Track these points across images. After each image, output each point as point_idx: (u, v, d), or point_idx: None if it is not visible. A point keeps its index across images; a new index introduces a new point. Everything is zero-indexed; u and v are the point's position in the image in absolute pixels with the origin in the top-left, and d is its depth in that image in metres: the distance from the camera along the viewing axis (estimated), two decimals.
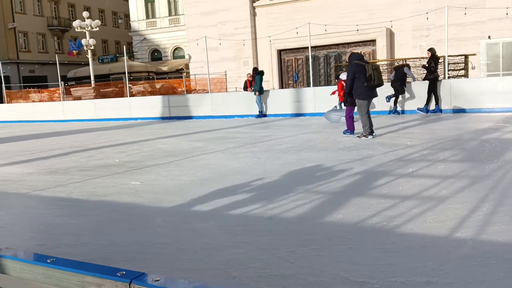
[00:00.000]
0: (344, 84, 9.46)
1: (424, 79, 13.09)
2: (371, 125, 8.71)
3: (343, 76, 10.19)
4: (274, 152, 7.79)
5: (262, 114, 15.54)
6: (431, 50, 12.78)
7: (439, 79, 13.05)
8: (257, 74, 15.39)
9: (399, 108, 13.36)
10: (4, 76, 25.60)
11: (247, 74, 15.98)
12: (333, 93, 13.01)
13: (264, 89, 15.69)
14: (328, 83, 23.80)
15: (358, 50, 23.52)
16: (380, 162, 6.40)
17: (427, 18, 19.73)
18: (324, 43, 23.08)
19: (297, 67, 24.90)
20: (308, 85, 18.62)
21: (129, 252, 3.46)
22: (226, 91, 22.89)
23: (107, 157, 8.39)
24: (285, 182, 5.53)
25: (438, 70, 12.98)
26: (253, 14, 25.11)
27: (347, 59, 9.03)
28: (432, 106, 12.83)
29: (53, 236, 3.97)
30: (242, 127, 12.59)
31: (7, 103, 23.95)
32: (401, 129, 10.16)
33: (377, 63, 9.95)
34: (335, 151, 7.56)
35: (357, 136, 8.89)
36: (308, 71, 20.51)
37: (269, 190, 5.15)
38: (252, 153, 7.86)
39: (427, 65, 12.70)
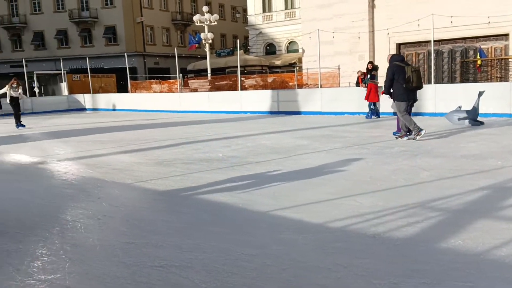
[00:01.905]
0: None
1: None
2: (414, 123, 8.62)
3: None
4: (384, 156, 7.09)
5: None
6: None
7: None
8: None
9: None
10: (130, 67, 27.71)
11: (358, 72, 15.02)
12: None
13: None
14: (452, 80, 21.79)
15: (488, 45, 21.19)
16: None
17: None
18: (449, 37, 21.10)
19: (417, 62, 23.18)
20: (429, 82, 17.11)
21: (212, 261, 3.19)
22: (339, 87, 22.10)
23: (212, 150, 8.37)
24: (394, 192, 4.89)
25: None
26: (372, 6, 23.86)
27: (387, 61, 8.93)
28: None
29: (143, 233, 3.87)
30: (351, 126, 11.89)
31: (131, 92, 25.83)
32: None
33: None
34: (456, 159, 6.63)
35: (409, 138, 8.71)
36: (429, 67, 18.89)
37: (375, 201, 4.56)
38: (359, 155, 7.24)
39: None
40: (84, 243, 3.68)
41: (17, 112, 15.26)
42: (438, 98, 13.46)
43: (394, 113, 9.92)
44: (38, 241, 3.74)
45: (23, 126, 15.18)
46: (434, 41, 15.16)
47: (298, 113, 16.53)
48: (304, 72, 25.17)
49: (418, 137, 8.55)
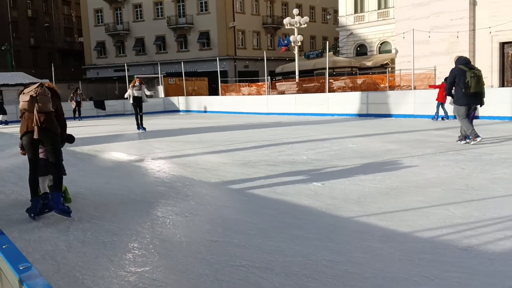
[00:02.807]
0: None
1: None
2: (472, 128, 8.48)
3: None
4: (482, 163, 6.59)
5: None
6: None
7: None
8: None
9: None
10: (221, 71, 28.61)
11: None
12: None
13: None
14: None
15: None
16: None
17: None
18: None
19: None
20: None
21: (292, 265, 3.18)
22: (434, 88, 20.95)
23: (296, 153, 8.36)
24: (491, 203, 4.52)
25: None
26: (473, 4, 22.36)
27: (454, 62, 8.80)
28: None
29: (227, 232, 3.96)
30: (446, 130, 11.20)
31: (222, 95, 26.65)
32: None
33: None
34: None
35: (466, 142, 8.60)
36: None
37: (470, 211, 4.25)
38: (454, 162, 6.80)
39: None
40: (172, 238, 3.86)
41: (136, 113, 14.19)
42: None
43: (454, 116, 9.58)
44: (131, 235, 3.99)
45: (144, 129, 14.31)
46: None
47: (389, 115, 15.94)
48: (397, 74, 24.25)
49: (472, 142, 8.43)
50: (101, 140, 12.17)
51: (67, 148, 10.41)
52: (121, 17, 46.05)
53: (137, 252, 3.57)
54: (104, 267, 3.28)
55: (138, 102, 14.02)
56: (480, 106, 8.79)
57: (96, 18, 47.08)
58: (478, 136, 8.43)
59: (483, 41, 22.00)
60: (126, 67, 27.96)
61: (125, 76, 27.79)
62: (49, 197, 4.58)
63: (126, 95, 14.39)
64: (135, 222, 4.37)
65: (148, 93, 14.42)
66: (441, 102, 13.99)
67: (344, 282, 2.90)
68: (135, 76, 14.64)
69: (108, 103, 26.06)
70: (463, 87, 8.33)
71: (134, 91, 13.83)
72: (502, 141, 8.86)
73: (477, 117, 12.93)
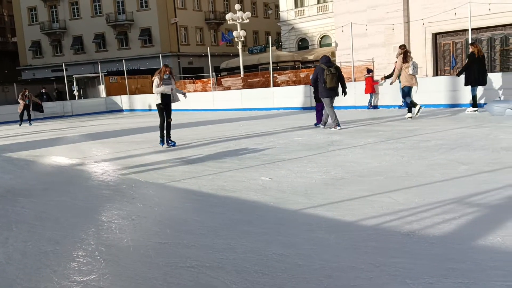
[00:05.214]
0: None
1: None
2: (336, 118, 10.21)
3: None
4: (420, 150, 6.90)
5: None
6: None
7: None
8: None
9: None
10: None
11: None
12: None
13: (417, 76, 14.36)
14: (491, 69, 20.96)
15: None
16: None
17: None
18: (488, 24, 20.32)
19: (455, 52, 22.44)
20: None
21: (243, 261, 3.19)
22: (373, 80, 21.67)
23: (244, 148, 8.39)
24: (430, 188, 4.74)
25: None
26: None
27: (396, 56, 10.76)
28: None
29: (176, 233, 3.91)
30: (386, 119, 11.64)
31: None
32: None
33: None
34: (496, 152, 6.37)
35: (328, 128, 10.31)
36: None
37: (410, 197, 4.43)
38: (394, 150, 7.08)
39: None
40: (118, 243, 3.76)
41: (163, 120, 9.29)
42: (477, 88, 12.98)
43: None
44: (75, 243, 3.84)
45: (173, 144, 9.42)
46: (472, 29, 14.69)
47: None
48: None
49: (332, 129, 10.08)
50: (40, 144, 11.64)
51: (2, 155, 9.89)
52: (57, 15, 44.19)
53: (81, 260, 3.44)
54: (47, 278, 3.14)
55: (167, 102, 9.26)
56: (344, 95, 10.40)
57: (30, 17, 44.90)
58: (338, 125, 10.07)
59: (417, 33, 22.96)
60: (64, 67, 26.87)
61: (63, 76, 26.69)
62: None
63: (156, 91, 9.08)
64: (78, 228, 4.21)
65: (179, 92, 9.74)
66: (371, 93, 15.23)
67: (294, 275, 2.94)
68: (163, 65, 9.38)
69: (46, 105, 24.92)
70: (322, 82, 9.97)
71: (162, 85, 9.03)
72: (438, 128, 9.30)
73: (376, 107, 14.08)
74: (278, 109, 17.93)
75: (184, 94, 9.86)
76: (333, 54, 28.99)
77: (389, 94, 14.92)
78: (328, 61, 10.25)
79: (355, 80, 17.65)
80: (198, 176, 6.19)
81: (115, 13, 42.15)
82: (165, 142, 9.37)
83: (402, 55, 10.83)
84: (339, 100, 16.13)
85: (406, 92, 11.12)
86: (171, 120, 9.43)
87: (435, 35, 22.86)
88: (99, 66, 29.04)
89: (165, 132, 9.37)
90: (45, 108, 24.47)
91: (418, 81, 11.18)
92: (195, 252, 3.45)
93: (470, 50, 11.76)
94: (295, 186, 5.25)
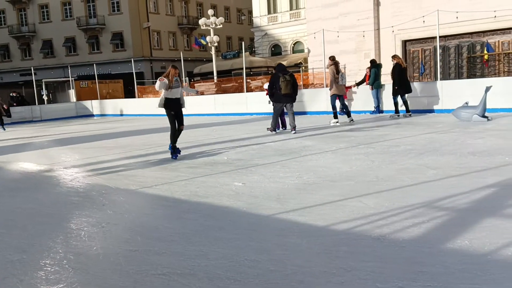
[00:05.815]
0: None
1: None
2: (276, 124, 11.18)
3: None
4: (390, 155, 7.02)
5: (378, 110, 14.55)
6: None
7: None
8: (373, 67, 14.46)
9: None
10: (137, 72, 27.81)
11: (366, 69, 15.04)
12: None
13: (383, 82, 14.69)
14: (459, 76, 21.58)
15: (495, 39, 20.93)
16: None
17: None
18: (455, 32, 20.93)
19: (423, 59, 23.00)
20: (436, 79, 16.98)
21: (215, 268, 3.16)
22: (345, 85, 21.98)
23: (217, 154, 8.36)
24: (399, 192, 4.83)
25: None
26: (377, 4, 23.74)
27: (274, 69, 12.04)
28: None
29: (147, 241, 3.85)
30: (357, 125, 11.81)
31: (138, 97, 25.92)
32: None
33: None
34: (463, 156, 6.55)
35: (267, 128, 11.22)
36: (436, 63, 18.75)
37: (381, 201, 4.50)
38: (365, 155, 7.18)
39: None
40: (87, 251, 3.68)
41: (175, 127, 8.32)
42: (445, 94, 13.35)
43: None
44: (43, 251, 3.74)
45: (177, 154, 8.21)
46: (440, 36, 15.05)
47: (304, 113, 16.46)
48: (310, 72, 25.12)
49: (269, 131, 10.99)
50: (7, 150, 11.30)
51: None
52: (26, 18, 43.19)
53: (49, 269, 3.35)
54: None
55: (177, 108, 8.35)
56: (292, 102, 10.83)
57: None
58: (274, 130, 10.97)
59: (387, 40, 23.43)
60: (33, 71, 26.24)
61: (32, 80, 26.06)
62: None
63: (160, 88, 8.10)
64: (46, 236, 4.10)
65: (191, 91, 10.16)
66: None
67: (265, 280, 2.93)
68: (171, 66, 8.22)
69: (14, 110, 24.24)
70: (278, 89, 10.54)
71: (171, 90, 8.10)
72: (407, 133, 9.49)
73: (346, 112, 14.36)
74: (251, 114, 17.96)
75: (197, 92, 10.61)
76: (306, 60, 29.31)
77: (361, 99, 15.15)
78: (284, 69, 10.90)
79: (327, 86, 17.83)
80: (170, 182, 6.13)
81: (86, 16, 41.48)
82: (176, 153, 8.17)
83: (333, 66, 11.92)
84: (312, 105, 16.42)
85: (334, 100, 12.12)
86: (183, 127, 8.40)
87: (405, 42, 23.38)
88: (69, 70, 28.49)
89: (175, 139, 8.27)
90: (13, 113, 23.79)
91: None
92: (166, 259, 3.40)
93: (395, 61, 12.64)
94: (268, 191, 5.26)
